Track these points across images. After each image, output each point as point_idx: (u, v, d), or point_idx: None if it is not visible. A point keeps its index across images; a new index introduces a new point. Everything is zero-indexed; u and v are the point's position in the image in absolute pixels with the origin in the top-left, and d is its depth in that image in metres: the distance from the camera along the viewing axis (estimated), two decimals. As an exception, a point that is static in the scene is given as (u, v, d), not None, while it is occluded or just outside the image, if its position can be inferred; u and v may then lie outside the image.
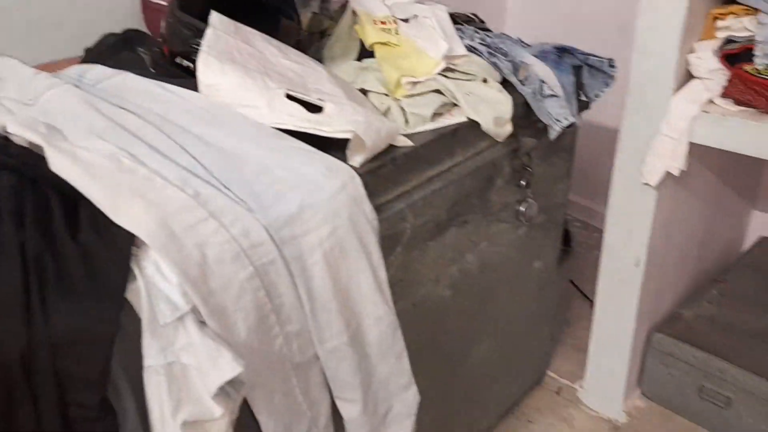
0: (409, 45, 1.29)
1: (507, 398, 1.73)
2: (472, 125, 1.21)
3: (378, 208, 1.03)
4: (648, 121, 1.43)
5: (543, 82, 1.34)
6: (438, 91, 1.22)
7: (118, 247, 0.79)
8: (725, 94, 1.36)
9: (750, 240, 2.16)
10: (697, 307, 1.81)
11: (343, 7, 1.37)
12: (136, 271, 0.78)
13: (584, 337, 1.80)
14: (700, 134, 1.38)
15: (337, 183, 0.96)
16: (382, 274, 1.03)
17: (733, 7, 1.35)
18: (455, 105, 1.23)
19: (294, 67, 1.11)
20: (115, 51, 1.20)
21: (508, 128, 1.26)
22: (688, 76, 1.41)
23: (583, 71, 1.44)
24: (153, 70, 1.15)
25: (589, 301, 2.05)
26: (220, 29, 1.09)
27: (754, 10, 1.32)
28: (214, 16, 1.10)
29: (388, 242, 1.08)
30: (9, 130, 0.91)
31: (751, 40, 1.32)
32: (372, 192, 1.01)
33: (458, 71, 1.27)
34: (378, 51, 1.27)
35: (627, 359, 1.70)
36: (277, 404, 0.93)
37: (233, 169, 0.93)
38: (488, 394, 1.61)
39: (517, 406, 1.78)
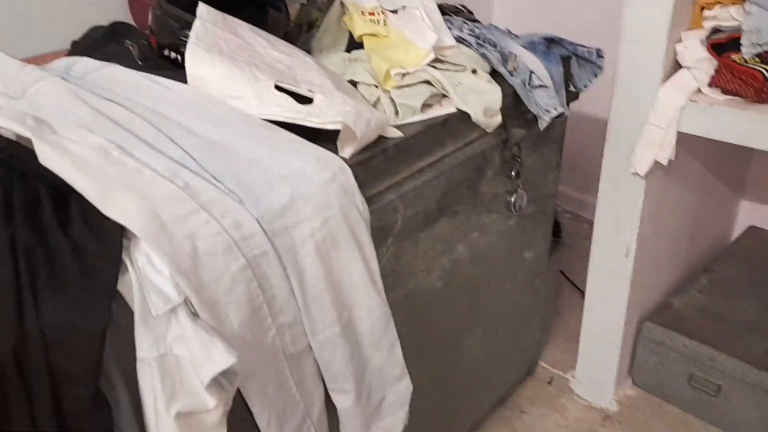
0: (398, 36, 1.29)
1: (499, 388, 1.74)
2: (462, 116, 1.21)
3: (369, 200, 1.03)
4: (636, 111, 1.44)
5: (532, 72, 1.34)
6: (427, 82, 1.22)
7: (109, 240, 0.78)
8: (713, 84, 1.36)
9: (738, 230, 2.17)
10: (686, 297, 1.82)
11: (332, -2, 1.36)
12: (128, 264, 0.78)
13: (575, 328, 1.81)
14: (688, 124, 1.38)
15: (328, 174, 0.96)
16: (374, 265, 1.03)
17: (720, -3, 1.36)
18: (444, 96, 1.23)
19: (283, 59, 1.11)
20: (102, 44, 1.19)
21: (498, 119, 1.26)
22: (676, 66, 1.42)
23: (572, 62, 1.45)
24: (140, 63, 1.14)
25: (580, 291, 2.06)
26: (208, 21, 1.08)
27: (740, 0, 1.32)
28: (202, 8, 1.09)
29: (379, 233, 1.08)
30: (-4, 123, 0.91)
31: (738, 30, 1.33)
32: (363, 183, 1.01)
33: (447, 62, 1.27)
34: (367, 42, 1.27)
35: (618, 349, 1.71)
36: (270, 395, 0.93)
37: (223, 161, 0.93)
38: (480, 384, 1.61)
39: (509, 396, 1.79)
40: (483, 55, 1.32)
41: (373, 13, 1.31)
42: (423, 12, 1.35)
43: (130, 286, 0.77)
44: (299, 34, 1.31)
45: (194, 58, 1.03)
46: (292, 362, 0.96)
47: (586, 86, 1.47)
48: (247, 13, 1.15)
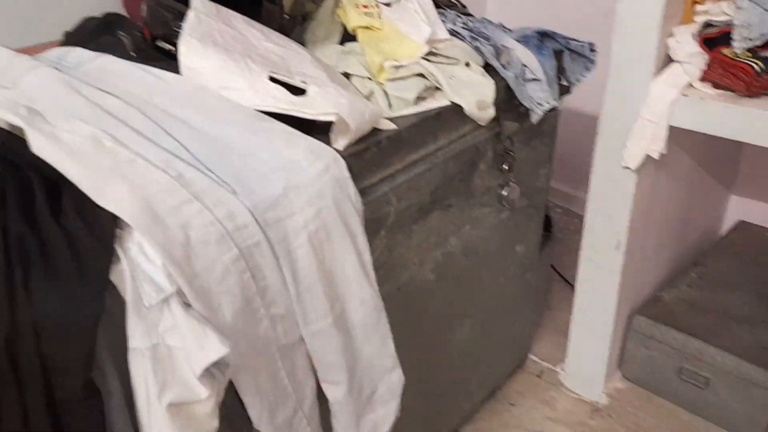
0: (392, 29, 1.29)
1: (489, 381, 1.74)
2: (455, 109, 1.21)
3: (362, 192, 1.04)
4: (628, 105, 1.45)
5: (525, 66, 1.35)
6: (421, 75, 1.22)
7: (102, 229, 0.78)
8: (704, 78, 1.37)
9: (728, 224, 2.19)
10: (676, 290, 1.83)
11: (326, -9, 1.36)
12: (120, 253, 0.78)
13: (565, 322, 1.82)
14: (679, 118, 1.39)
15: (321, 165, 0.96)
16: (367, 257, 1.03)
17: (712, -8, 1.36)
18: (438, 89, 1.23)
19: (277, 50, 1.11)
20: (95, 35, 1.19)
21: (491, 112, 1.26)
22: (668, 61, 1.42)
23: (564, 56, 1.45)
24: (134, 54, 1.14)
25: (570, 285, 2.07)
26: (201, 12, 1.08)
27: (732, -5, 1.33)
28: (196, -1, 1.09)
29: (372, 226, 1.08)
30: (-12, 112, 0.90)
31: (729, 24, 1.34)
32: (356, 175, 1.01)
33: (441, 55, 1.27)
34: (360, 35, 1.27)
35: (608, 342, 1.73)
36: (262, 386, 0.93)
37: (216, 152, 0.93)
38: (471, 377, 1.62)
39: (499, 389, 1.80)
40: (476, 49, 1.32)
41: (367, 6, 1.31)
42: (417, 5, 1.35)
43: (122, 275, 0.77)
44: (293, 26, 1.31)
45: (188, 49, 1.02)
46: (284, 353, 0.96)
47: (578, 80, 1.47)
48: (241, 5, 1.15)
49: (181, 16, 1.07)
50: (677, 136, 1.43)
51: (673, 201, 1.77)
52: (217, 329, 0.81)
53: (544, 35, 1.43)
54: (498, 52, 1.34)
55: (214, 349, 0.78)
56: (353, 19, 1.28)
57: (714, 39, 1.36)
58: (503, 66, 1.32)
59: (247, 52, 1.05)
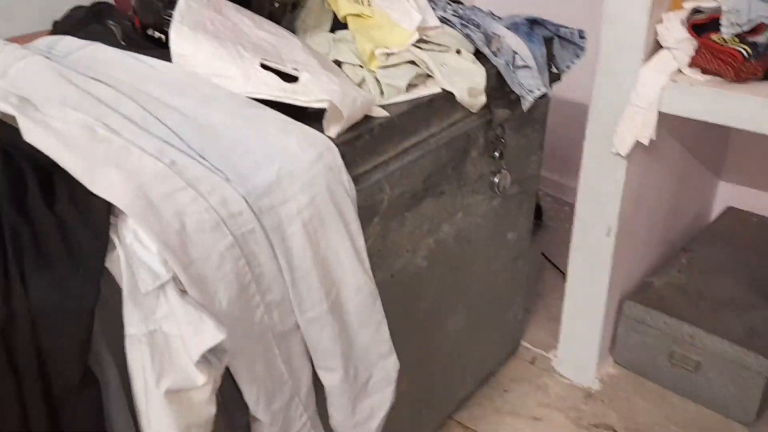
0: (382, 16, 1.29)
1: (483, 368, 1.75)
2: (447, 96, 1.22)
3: (355, 179, 1.04)
4: (618, 92, 1.45)
5: (515, 53, 1.35)
6: (412, 63, 1.23)
7: (96, 217, 0.78)
8: (693, 64, 1.38)
9: (717, 210, 2.20)
10: (666, 276, 1.85)
11: (315, -22, 1.36)
12: (115, 240, 0.78)
13: (557, 309, 1.83)
14: (668, 104, 1.40)
15: (314, 152, 0.96)
16: (361, 244, 1.03)
17: (700, -23, 1.37)
18: (429, 76, 1.23)
19: (268, 38, 1.11)
20: (83, 24, 1.18)
21: (482, 99, 1.27)
22: (657, 47, 1.43)
23: (554, 43, 1.46)
24: (123, 43, 1.13)
25: (561, 273, 2.08)
26: (192, 0, 1.08)
27: (720, -20, 1.34)
28: (186, -13, 1.08)
29: (365, 213, 1.08)
30: (-21, 102, 0.90)
31: (717, 10, 1.34)
32: (349, 163, 1.01)
33: (432, 42, 1.27)
34: (351, 23, 1.26)
35: (599, 327, 1.74)
36: (259, 373, 0.93)
37: (209, 139, 0.93)
38: (465, 363, 1.63)
39: (492, 375, 1.81)
40: (467, 36, 1.32)
41: (357, -7, 1.31)
42: (407, -8, 1.35)
43: (118, 263, 0.77)
44: (283, 14, 1.30)
45: (179, 36, 1.02)
46: (280, 340, 0.96)
47: (568, 67, 1.48)
48: (231, -7, 1.15)
49: (171, 5, 1.07)
50: (667, 122, 1.44)
51: (663, 187, 1.78)
52: (214, 316, 0.81)
53: (533, 22, 1.43)
54: (488, 39, 1.34)
55: (211, 334, 0.79)
56: (343, 7, 1.28)
57: (703, 25, 1.36)
58: (494, 53, 1.32)
59: (238, 39, 1.05)
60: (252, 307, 0.90)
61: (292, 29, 1.28)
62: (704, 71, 1.36)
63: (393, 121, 1.13)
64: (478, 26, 1.36)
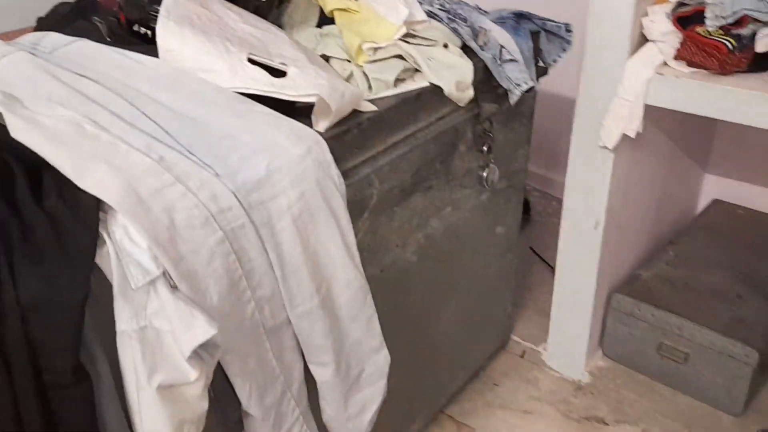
0: (369, 11, 1.28)
1: (473, 362, 1.76)
2: (435, 90, 1.22)
3: (344, 174, 1.04)
4: (604, 85, 1.46)
5: (502, 47, 1.35)
6: (400, 57, 1.23)
7: (85, 213, 0.78)
8: (678, 57, 1.39)
9: (703, 203, 2.22)
10: (654, 268, 1.86)
11: (302, -26, 1.35)
12: (105, 236, 0.77)
13: (546, 303, 1.84)
14: (654, 96, 1.41)
15: (303, 147, 0.96)
16: (351, 239, 1.03)
17: (685, -30, 1.38)
18: (417, 70, 1.23)
19: (254, 32, 1.10)
20: (68, 20, 1.17)
21: (470, 93, 1.27)
22: (643, 40, 1.44)
23: (541, 36, 1.46)
24: (109, 39, 1.12)
25: (550, 267, 2.10)
26: (178, -5, 1.07)
27: (704, -27, 1.35)
28: (172, -18, 1.08)
29: (355, 208, 1.08)
30: (-36, 99, 0.89)
31: (702, 3, 1.35)
32: (338, 157, 1.01)
33: (419, 37, 1.28)
34: (338, 17, 1.26)
35: (588, 321, 1.75)
36: (251, 368, 0.93)
37: (197, 135, 0.92)
38: (455, 357, 1.64)
39: (483, 369, 1.82)
40: (454, 30, 1.33)
41: (343, -12, 1.31)
42: (393, -13, 1.35)
43: (108, 258, 0.77)
44: (269, 9, 1.30)
45: (165, 31, 1.01)
46: (271, 335, 0.96)
47: (555, 61, 1.48)
48: (217, -12, 1.14)
49: (156, 0, 1.06)
50: (653, 114, 1.45)
51: (650, 180, 1.79)
52: (205, 311, 0.81)
53: (520, 16, 1.44)
54: (475, 33, 1.34)
55: (202, 330, 0.78)
56: (330, 2, 1.28)
57: (688, 18, 1.37)
58: (481, 47, 1.32)
59: (225, 34, 1.05)
60: (243, 303, 0.90)
61: (279, 24, 1.28)
62: (689, 64, 1.37)
63: (381, 116, 1.13)
64: (464, 20, 1.36)
